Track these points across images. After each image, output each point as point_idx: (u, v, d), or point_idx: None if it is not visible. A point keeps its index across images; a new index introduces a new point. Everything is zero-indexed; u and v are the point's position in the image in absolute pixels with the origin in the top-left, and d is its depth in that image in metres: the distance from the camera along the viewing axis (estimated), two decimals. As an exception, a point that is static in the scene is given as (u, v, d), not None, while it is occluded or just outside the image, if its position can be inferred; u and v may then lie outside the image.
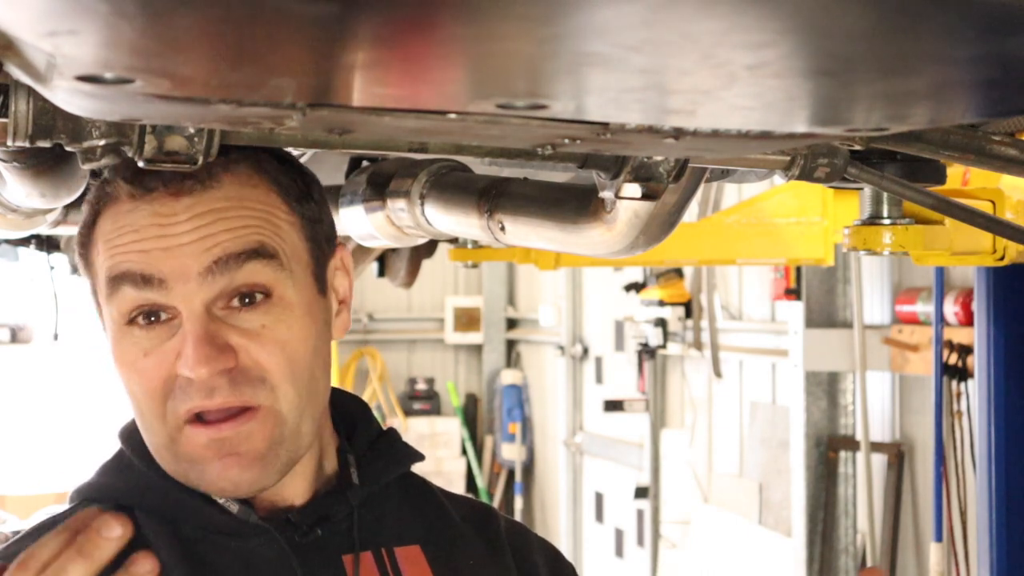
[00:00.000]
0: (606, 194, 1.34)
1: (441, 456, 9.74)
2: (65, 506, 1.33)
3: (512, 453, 9.64)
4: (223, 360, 1.17)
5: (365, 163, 2.09)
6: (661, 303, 6.45)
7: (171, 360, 1.18)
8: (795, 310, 5.16)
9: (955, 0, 0.59)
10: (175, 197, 1.19)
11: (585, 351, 8.46)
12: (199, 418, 1.19)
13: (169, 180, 1.19)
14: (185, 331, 1.18)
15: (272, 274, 1.21)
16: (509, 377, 9.92)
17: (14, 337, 9.52)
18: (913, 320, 4.68)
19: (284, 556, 1.25)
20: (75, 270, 4.26)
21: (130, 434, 1.31)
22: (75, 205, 1.97)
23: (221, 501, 1.25)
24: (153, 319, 1.19)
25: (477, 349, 10.33)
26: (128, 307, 1.19)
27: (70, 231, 2.89)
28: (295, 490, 1.29)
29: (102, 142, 1.06)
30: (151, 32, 0.62)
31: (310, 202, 1.29)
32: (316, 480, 1.31)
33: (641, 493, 7.19)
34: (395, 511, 1.35)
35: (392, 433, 1.40)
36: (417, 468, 1.43)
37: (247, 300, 1.20)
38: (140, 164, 1.09)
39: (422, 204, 1.87)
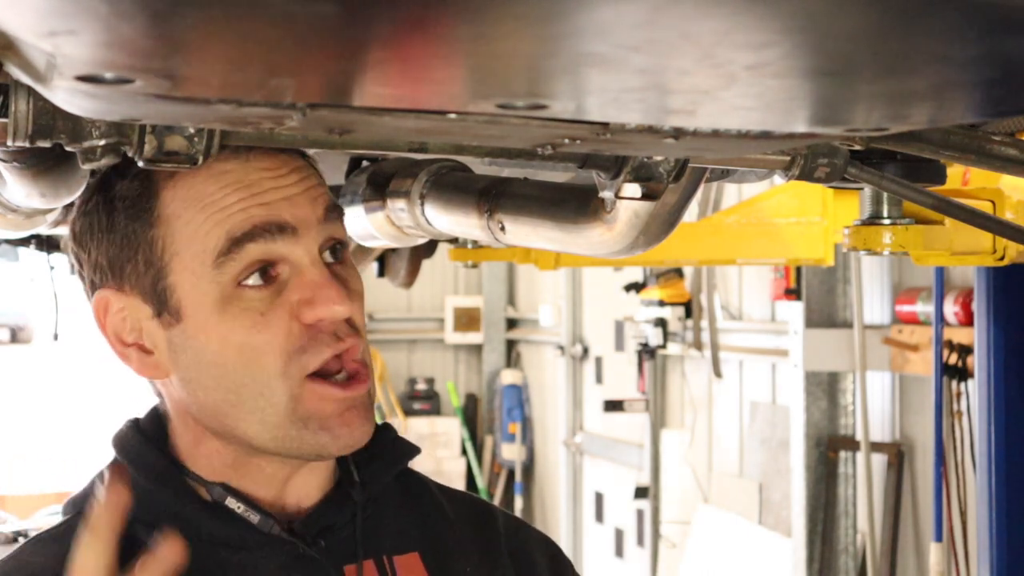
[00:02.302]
0: (606, 194, 1.33)
1: (441, 456, 9.74)
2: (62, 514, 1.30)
3: (512, 453, 9.63)
4: (350, 299, 1.20)
5: (365, 163, 2.09)
6: (661, 303, 6.45)
7: (288, 316, 1.18)
8: (795, 310, 5.16)
9: (955, 0, 0.59)
10: (272, 153, 1.21)
11: (585, 351, 8.46)
12: (322, 376, 1.19)
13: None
14: (310, 278, 1.18)
15: (344, 232, 1.26)
16: (509, 377, 9.92)
17: (14, 337, 9.52)
18: (913, 320, 4.68)
19: (288, 568, 1.23)
20: (75, 270, 4.24)
21: (124, 443, 1.28)
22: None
23: (239, 511, 1.23)
24: (264, 279, 1.18)
25: (477, 349, 10.33)
26: (249, 262, 1.17)
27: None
28: (308, 486, 1.27)
29: (102, 142, 1.06)
30: (151, 32, 0.62)
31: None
32: (326, 476, 1.30)
33: (641, 493, 7.19)
34: (393, 517, 1.34)
35: (388, 429, 1.38)
36: (417, 468, 1.42)
37: (332, 254, 1.23)
38: (140, 164, 1.09)
39: (422, 204, 1.87)
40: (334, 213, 1.23)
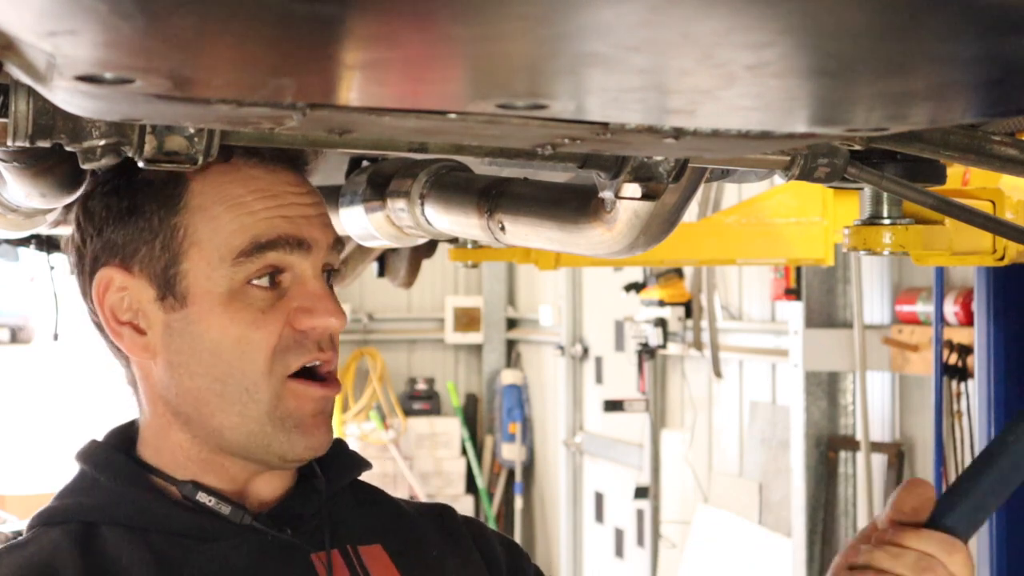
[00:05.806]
0: (606, 194, 1.34)
1: (441, 456, 9.72)
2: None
3: (512, 453, 9.63)
4: (341, 316, 1.27)
5: (365, 163, 2.09)
6: (661, 303, 6.45)
7: (283, 319, 1.25)
8: (795, 310, 5.16)
9: (955, 0, 0.59)
10: (294, 167, 1.30)
11: (585, 351, 8.46)
12: (306, 375, 1.26)
13: (276, 153, 1.28)
14: (311, 289, 1.26)
15: (339, 263, 1.35)
16: (509, 377, 9.91)
17: (14, 337, 9.51)
18: (913, 320, 4.68)
19: (257, 557, 1.26)
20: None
21: (90, 454, 1.33)
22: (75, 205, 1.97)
23: (211, 504, 1.26)
24: (271, 283, 1.26)
25: (477, 349, 10.32)
26: (264, 265, 1.25)
27: (70, 231, 2.88)
28: (271, 486, 1.32)
29: (102, 142, 1.06)
30: (151, 32, 0.62)
31: None
32: (288, 478, 1.34)
33: (641, 493, 7.19)
34: (355, 516, 1.38)
35: (342, 442, 1.43)
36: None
37: (327, 277, 1.32)
38: (140, 164, 1.09)
39: (422, 204, 1.86)
40: (339, 245, 1.32)
